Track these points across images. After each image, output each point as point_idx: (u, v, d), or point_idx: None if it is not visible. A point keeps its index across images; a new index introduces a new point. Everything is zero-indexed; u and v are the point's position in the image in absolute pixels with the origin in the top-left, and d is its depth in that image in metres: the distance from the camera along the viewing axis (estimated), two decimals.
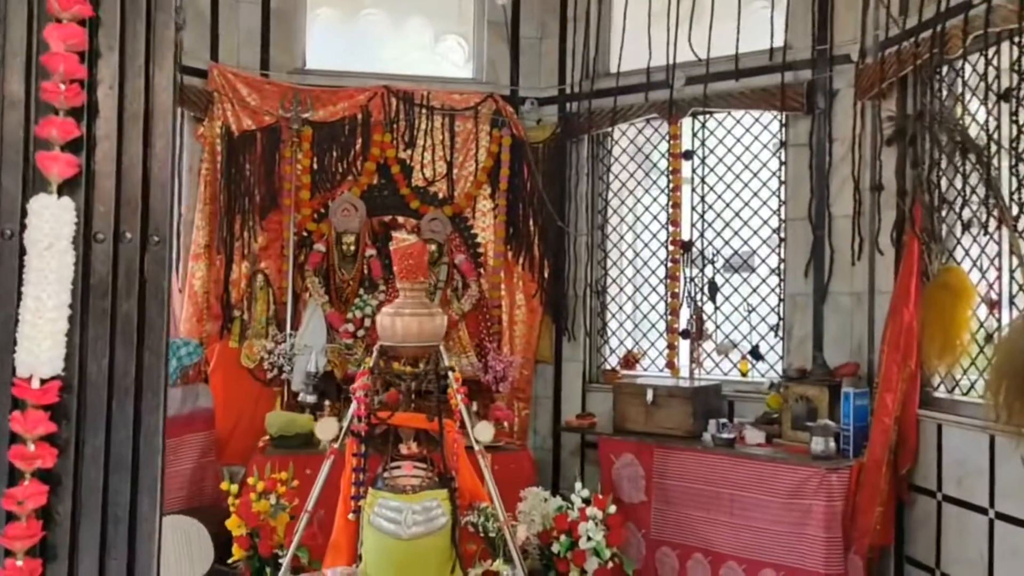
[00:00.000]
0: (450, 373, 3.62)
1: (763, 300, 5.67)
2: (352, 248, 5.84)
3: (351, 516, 3.60)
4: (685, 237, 5.88)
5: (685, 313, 5.86)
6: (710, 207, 5.83)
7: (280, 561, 3.51)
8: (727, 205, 5.79)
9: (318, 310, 5.74)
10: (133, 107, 0.85)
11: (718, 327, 5.82)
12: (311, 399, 5.35)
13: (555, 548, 3.66)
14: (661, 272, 6.08)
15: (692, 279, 5.81)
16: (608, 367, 6.26)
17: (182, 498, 5.16)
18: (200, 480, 5.19)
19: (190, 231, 5.74)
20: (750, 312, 5.69)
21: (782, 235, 5.54)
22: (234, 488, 3.82)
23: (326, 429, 3.62)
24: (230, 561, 3.80)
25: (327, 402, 5.14)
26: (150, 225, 0.83)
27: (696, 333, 5.76)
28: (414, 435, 3.65)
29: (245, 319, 5.72)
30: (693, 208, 5.87)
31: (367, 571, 3.51)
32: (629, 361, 6.17)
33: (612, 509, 3.72)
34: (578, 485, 3.82)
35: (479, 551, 3.64)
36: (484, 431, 3.56)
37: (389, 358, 3.70)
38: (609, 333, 6.33)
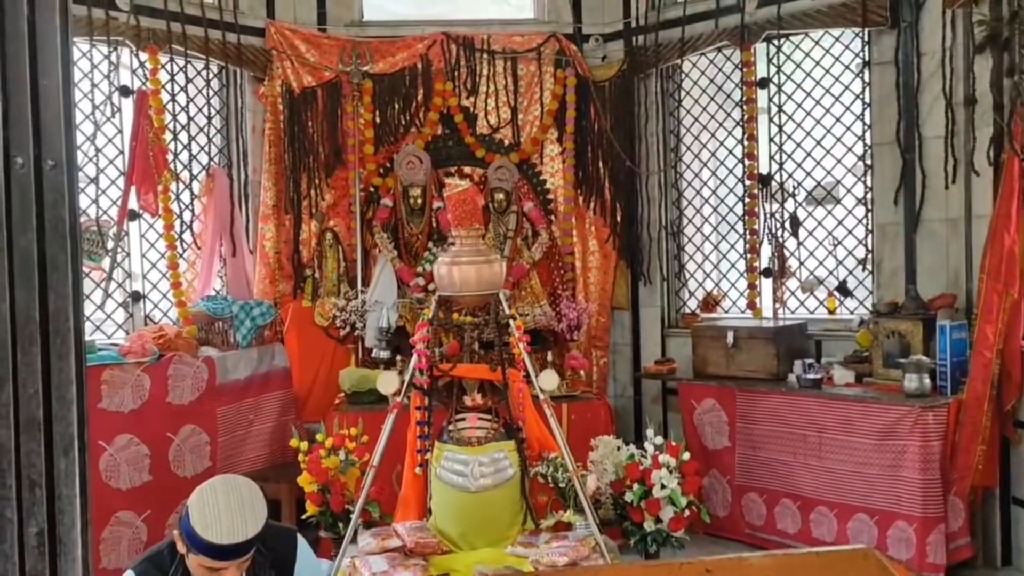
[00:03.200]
0: (511, 321, 3.49)
1: (849, 232, 5.34)
2: (419, 201, 5.75)
3: (417, 470, 3.55)
4: (763, 171, 5.58)
5: (766, 251, 5.58)
6: (789, 137, 5.49)
7: (352, 516, 3.49)
8: (807, 134, 5.45)
9: (388, 266, 5.69)
10: (16, 24, 0.73)
11: (802, 264, 5.53)
12: (384, 355, 5.33)
13: (628, 497, 3.53)
14: (739, 209, 5.79)
15: (772, 215, 5.51)
16: (687, 311, 6.05)
17: (265, 456, 5.26)
18: (282, 438, 5.27)
19: (258, 192, 5.75)
20: (836, 246, 5.37)
21: (868, 162, 5.18)
22: (304, 445, 3.82)
23: (387, 383, 3.56)
24: (304, 517, 3.83)
25: (400, 357, 5.11)
26: (43, 149, 0.73)
27: (778, 271, 5.48)
28: (478, 386, 3.55)
29: (316, 278, 5.73)
30: (771, 139, 5.54)
31: (437, 524, 3.47)
32: (708, 304, 5.94)
33: (686, 456, 3.56)
34: (649, 432, 3.66)
35: (550, 502, 3.55)
36: (548, 380, 3.43)
37: (448, 309, 3.60)
38: (687, 276, 6.10)
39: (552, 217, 6.00)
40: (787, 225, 5.46)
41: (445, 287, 3.52)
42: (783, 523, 4.75)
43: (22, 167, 0.73)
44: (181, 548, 2.39)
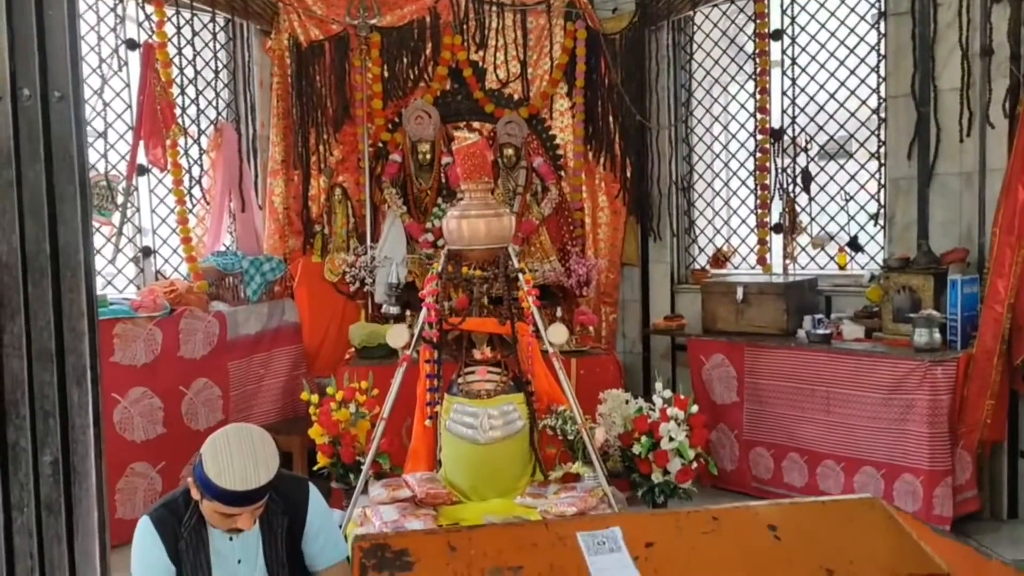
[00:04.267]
0: (520, 275, 3.50)
1: (862, 187, 5.30)
2: (428, 156, 5.72)
3: (427, 423, 3.58)
4: (775, 125, 5.51)
5: (777, 206, 5.54)
6: (802, 90, 5.42)
7: (362, 467, 3.54)
8: (821, 87, 5.37)
9: (397, 221, 5.69)
10: None
11: (813, 219, 5.49)
12: (394, 310, 5.35)
13: (636, 449, 3.56)
14: (750, 164, 5.74)
15: (784, 169, 5.46)
16: (697, 267, 6.03)
17: (276, 410, 5.32)
18: (293, 393, 5.32)
19: (266, 147, 5.73)
20: (848, 201, 5.33)
21: (882, 115, 5.11)
22: (315, 398, 3.86)
23: (396, 337, 3.58)
24: (315, 468, 3.88)
25: (409, 313, 5.13)
26: (49, 81, 0.73)
27: (789, 226, 5.44)
28: (487, 340, 3.57)
29: (326, 234, 5.73)
30: (783, 93, 5.48)
31: (447, 476, 3.51)
32: (718, 260, 5.93)
33: (694, 409, 3.58)
34: (658, 385, 3.68)
35: (559, 454, 3.58)
36: (558, 333, 3.45)
37: (458, 262, 3.61)
38: (697, 231, 6.07)
39: (562, 173, 5.96)
40: (799, 180, 5.42)
41: (454, 241, 3.52)
42: (790, 477, 4.78)
43: (28, 99, 0.72)
44: (195, 495, 2.43)
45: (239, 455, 2.36)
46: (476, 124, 6.01)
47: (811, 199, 5.44)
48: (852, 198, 5.32)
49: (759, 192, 5.57)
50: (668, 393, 3.64)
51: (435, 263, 3.66)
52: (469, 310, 3.57)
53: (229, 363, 5.03)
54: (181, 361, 4.77)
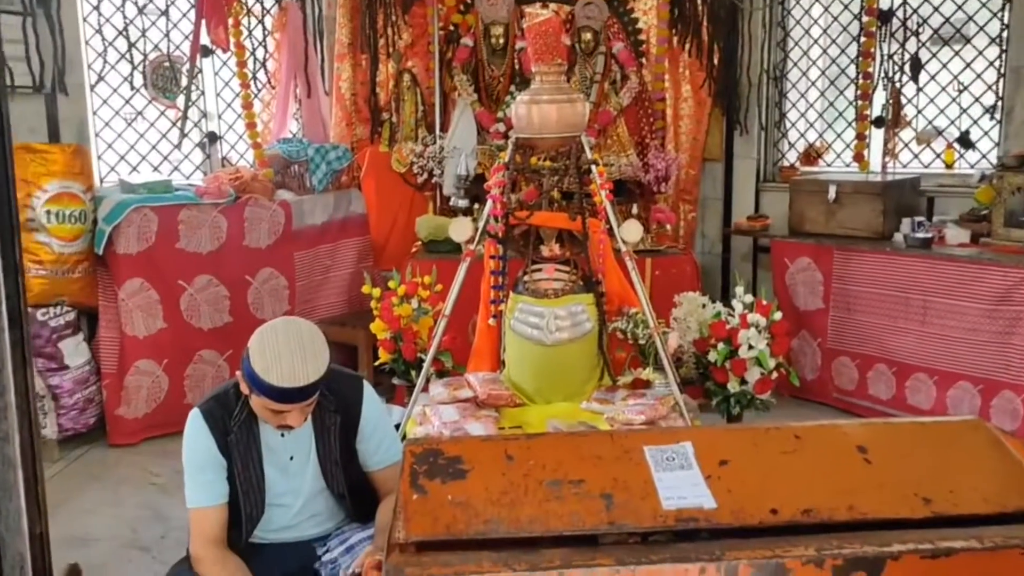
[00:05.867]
0: (594, 167, 3.23)
1: (978, 76, 4.78)
2: (501, 41, 5.39)
3: (491, 321, 3.42)
4: (884, 6, 4.98)
5: (880, 97, 5.07)
6: None
7: (424, 365, 3.42)
8: None
9: (467, 110, 5.42)
10: None
11: (919, 112, 5.01)
12: (462, 203, 5.14)
13: (712, 357, 3.33)
14: (853, 50, 5.24)
15: (890, 56, 4.97)
16: (785, 164, 5.63)
17: (342, 302, 5.25)
18: (359, 285, 5.20)
19: (333, 29, 5.48)
20: (961, 92, 4.83)
21: None
22: (376, 292, 3.73)
23: (460, 230, 3.38)
24: (377, 364, 3.79)
25: (477, 206, 4.92)
26: None
27: (892, 120, 4.99)
28: (556, 236, 3.34)
29: (394, 122, 5.51)
30: None
31: (511, 377, 3.36)
32: (810, 156, 5.51)
33: (777, 316, 3.32)
34: (739, 289, 3.42)
35: (629, 359, 3.39)
36: (631, 231, 3.19)
37: (527, 152, 3.36)
38: (788, 125, 5.64)
39: (643, 60, 5.54)
40: (907, 68, 4.92)
41: (523, 128, 3.26)
42: (876, 389, 4.51)
43: None
44: (244, 389, 2.34)
45: (287, 350, 2.24)
46: (553, 6, 5.61)
47: (919, 89, 4.96)
48: (966, 88, 4.82)
49: (860, 81, 5.09)
50: (749, 298, 3.37)
51: (503, 152, 3.41)
52: (537, 204, 3.34)
53: (295, 253, 4.94)
54: (246, 250, 4.70)
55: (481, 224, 3.36)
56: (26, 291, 1.09)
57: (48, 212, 4.05)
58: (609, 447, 1.98)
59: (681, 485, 1.90)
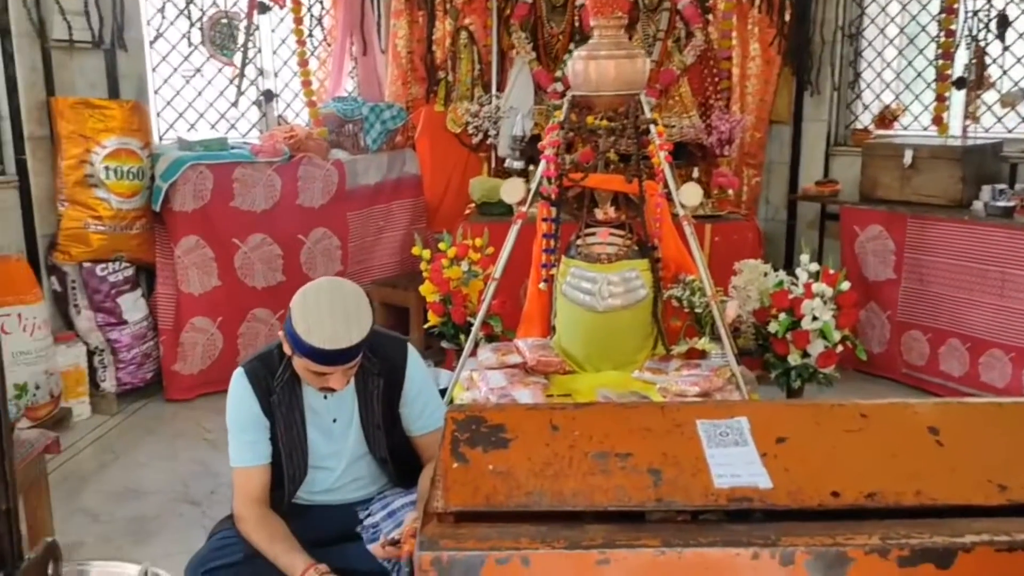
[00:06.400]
0: (652, 127, 3.09)
1: None
2: None
3: (542, 286, 3.33)
4: None
5: (962, 56, 4.76)
6: None
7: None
8: None
9: (525, 69, 5.28)
10: None
11: (1005, 72, 4.71)
12: (518, 164, 5.03)
13: (772, 328, 3.19)
14: (934, 6, 4.93)
15: (975, 12, 4.65)
16: (858, 127, 5.36)
17: (395, 264, 5.21)
18: (411, 247, 5.16)
19: None
20: None
21: None
22: (426, 254, 3.66)
23: (512, 191, 3.28)
24: (426, 326, 3.74)
25: (533, 167, 4.80)
26: None
27: (975, 81, 4.69)
28: (611, 199, 3.23)
29: (450, 81, 5.41)
30: None
31: (561, 343, 3.28)
32: (885, 119, 5.24)
33: (845, 286, 3.15)
34: (803, 257, 3.26)
35: (684, 327, 3.26)
36: (690, 194, 3.05)
37: (583, 111, 3.23)
38: (862, 86, 5.36)
39: (709, 16, 5.31)
40: (992, 25, 4.61)
41: (580, 85, 3.14)
42: (947, 365, 4.30)
43: None
44: (287, 350, 2.29)
45: (329, 312, 2.18)
46: None
47: (1005, 48, 4.65)
48: None
49: (942, 39, 4.79)
50: (815, 267, 3.21)
51: (558, 111, 3.29)
52: (593, 165, 3.22)
53: (348, 213, 4.91)
54: (299, 209, 4.68)
55: (534, 185, 3.26)
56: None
57: (107, 168, 4.07)
58: (659, 420, 1.88)
59: (735, 462, 1.79)
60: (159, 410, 4.32)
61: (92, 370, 4.23)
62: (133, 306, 4.27)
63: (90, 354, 4.21)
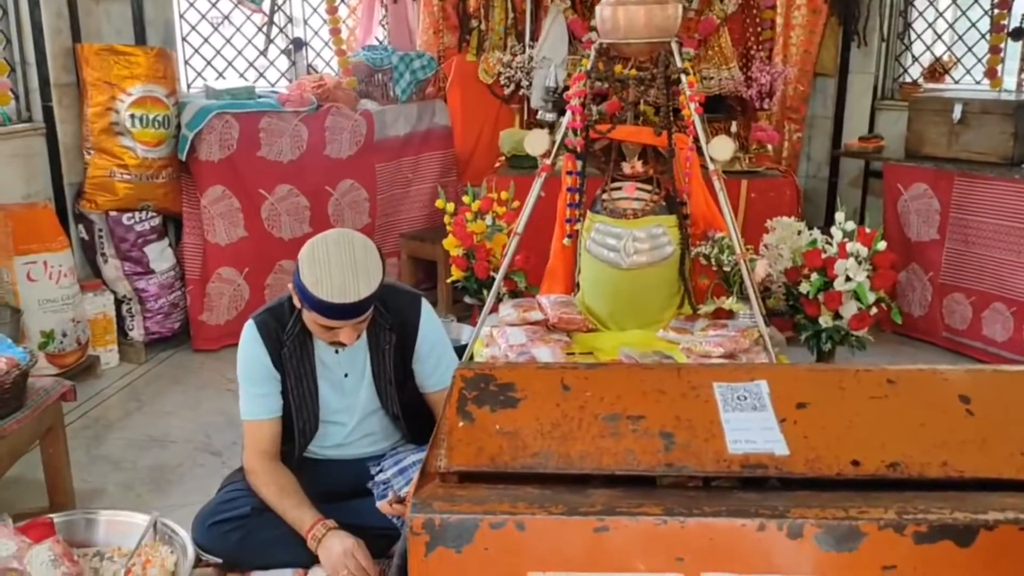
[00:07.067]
0: (683, 77, 2.95)
1: None
2: None
3: (566, 241, 3.23)
4: None
5: (1020, 6, 4.51)
6: None
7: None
8: None
9: (560, 18, 5.12)
10: None
11: None
12: (550, 117, 4.86)
13: (804, 288, 3.07)
14: None
15: None
16: (907, 80, 5.13)
17: (423, 217, 5.14)
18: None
19: None
20: None
21: None
22: (450, 207, 3.59)
23: (536, 143, 3.18)
24: (449, 281, 3.68)
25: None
26: None
27: None
28: (639, 152, 3.11)
29: (482, 30, 5.27)
30: None
31: (584, 301, 3.19)
32: (935, 72, 5.01)
33: (881, 246, 3.01)
34: (840, 215, 3.11)
35: (712, 286, 3.15)
36: (721, 148, 2.92)
37: (610, 59, 3.10)
38: (912, 36, 5.11)
39: None
40: None
41: (607, 32, 3.01)
42: (990, 329, 4.13)
43: None
44: (296, 302, 2.25)
45: (338, 264, 2.13)
46: None
47: None
48: None
49: None
50: (851, 225, 3.07)
51: (584, 59, 3.16)
52: (621, 116, 3.10)
53: (376, 165, 4.84)
54: (327, 160, 4.62)
55: (559, 137, 3.15)
56: None
57: (132, 116, 4.04)
58: (674, 382, 1.80)
59: (751, 428, 1.71)
60: (186, 360, 4.35)
61: (120, 319, 4.25)
62: (160, 256, 4.28)
63: (118, 303, 4.23)
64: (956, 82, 4.96)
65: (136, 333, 4.29)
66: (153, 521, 2.29)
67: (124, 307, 4.27)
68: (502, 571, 1.48)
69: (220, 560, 2.26)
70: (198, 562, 2.23)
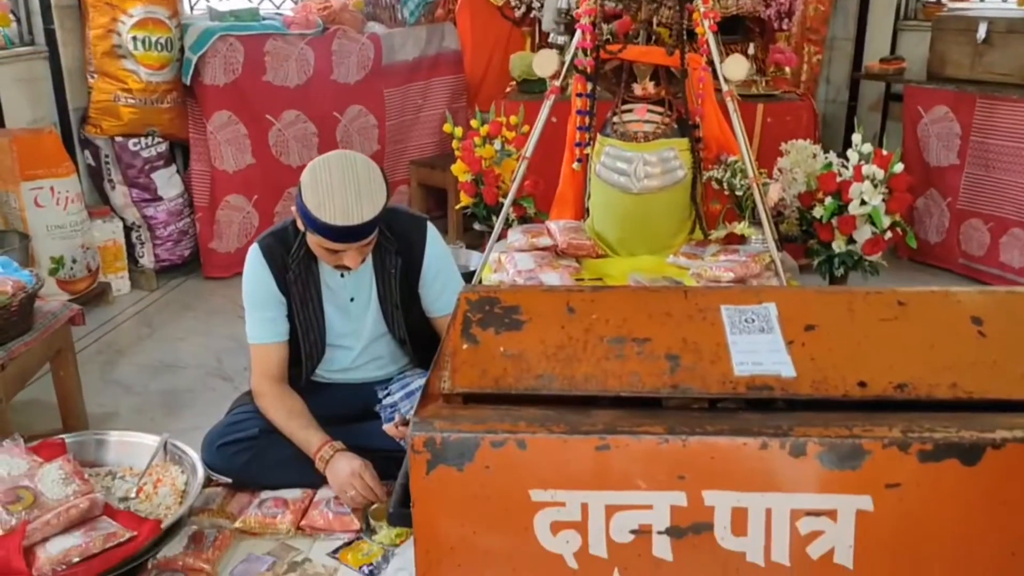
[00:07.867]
0: None
1: None
2: None
3: (575, 165, 3.18)
4: None
5: None
6: None
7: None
8: None
9: None
10: None
11: None
12: (562, 40, 4.74)
13: (817, 213, 3.02)
14: None
15: None
16: None
17: (433, 144, 5.07)
18: None
19: None
20: None
21: None
22: (458, 131, 3.53)
23: (545, 64, 3.10)
24: (458, 207, 3.64)
25: None
26: None
27: None
28: (651, 73, 3.02)
29: None
30: None
31: (594, 226, 3.15)
32: None
33: (898, 168, 2.94)
34: (856, 137, 3.04)
35: (724, 211, 3.10)
36: (735, 67, 2.83)
37: None
38: None
39: None
40: None
41: None
42: (1008, 255, 4.07)
43: None
44: (300, 225, 2.23)
45: (341, 187, 2.10)
46: None
47: None
48: None
49: None
50: (867, 148, 3.00)
51: None
52: (632, 36, 3.01)
53: (384, 90, 4.75)
54: (334, 85, 4.54)
55: (568, 58, 3.07)
56: None
57: (134, 38, 3.96)
58: (682, 304, 1.78)
59: (758, 350, 1.69)
60: (197, 287, 4.36)
61: (131, 246, 4.25)
62: (168, 182, 4.24)
63: (127, 230, 4.22)
64: (982, 1, 4.78)
65: (147, 260, 4.29)
66: (163, 442, 2.32)
67: (134, 234, 4.26)
68: (503, 489, 1.48)
69: (229, 480, 2.29)
70: (208, 482, 2.26)
